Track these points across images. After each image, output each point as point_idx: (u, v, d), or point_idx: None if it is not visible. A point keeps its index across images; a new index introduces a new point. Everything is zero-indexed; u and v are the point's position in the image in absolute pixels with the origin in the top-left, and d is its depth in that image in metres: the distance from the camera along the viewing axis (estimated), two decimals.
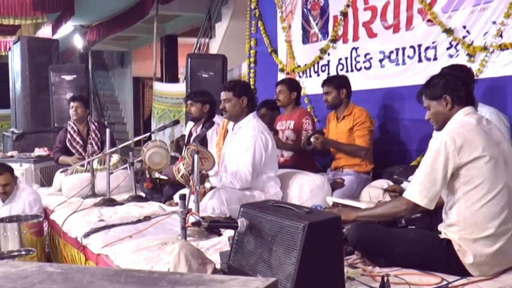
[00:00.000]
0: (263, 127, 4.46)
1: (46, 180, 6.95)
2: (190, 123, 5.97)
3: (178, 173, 4.48)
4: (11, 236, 4.58)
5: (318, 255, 2.28)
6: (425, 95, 2.99)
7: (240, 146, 4.38)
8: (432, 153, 2.73)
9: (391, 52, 5.38)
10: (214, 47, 10.68)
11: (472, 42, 4.64)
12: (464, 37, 4.70)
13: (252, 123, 4.45)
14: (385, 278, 2.46)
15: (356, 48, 5.80)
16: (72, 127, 6.55)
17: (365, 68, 5.71)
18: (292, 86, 5.63)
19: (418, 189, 2.74)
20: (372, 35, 5.60)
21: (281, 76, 6.98)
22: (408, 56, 5.21)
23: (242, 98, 4.47)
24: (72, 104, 6.56)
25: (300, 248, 2.23)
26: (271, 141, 4.41)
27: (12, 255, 4.33)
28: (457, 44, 4.76)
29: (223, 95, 4.51)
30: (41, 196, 5.65)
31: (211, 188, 4.27)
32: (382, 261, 2.89)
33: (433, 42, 4.96)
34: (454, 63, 4.35)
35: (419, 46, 5.08)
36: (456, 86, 2.87)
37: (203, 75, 7.87)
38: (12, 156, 7.24)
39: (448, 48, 4.85)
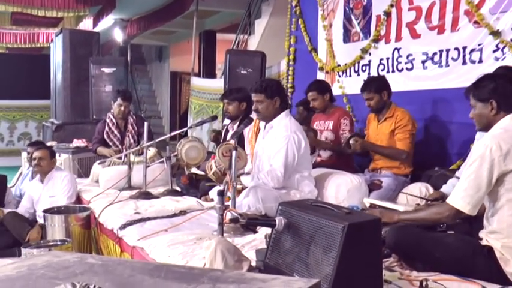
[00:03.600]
0: (296, 126, 4.42)
1: (83, 171, 7.07)
2: (227, 120, 5.97)
3: (211, 170, 4.51)
4: (58, 228, 4.69)
5: (357, 257, 2.26)
6: (472, 94, 2.92)
7: (272, 146, 4.37)
8: (477, 159, 2.68)
9: (435, 54, 5.29)
10: (253, 44, 10.68)
11: None
12: None
13: (284, 122, 4.42)
14: (424, 283, 2.43)
15: (398, 49, 5.72)
16: (112, 120, 6.63)
17: (407, 69, 5.63)
18: (322, 88, 5.57)
19: (461, 196, 2.69)
20: (415, 35, 5.52)
21: (320, 75, 6.95)
22: (452, 58, 5.11)
23: (275, 98, 4.43)
24: (120, 101, 6.59)
25: (339, 248, 2.21)
26: (304, 140, 4.37)
27: (49, 245, 4.41)
28: (504, 47, 4.64)
29: (255, 96, 4.46)
30: (77, 186, 5.78)
31: (243, 187, 4.27)
32: (420, 265, 2.85)
33: (479, 45, 4.85)
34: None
35: (464, 48, 4.99)
36: (506, 92, 2.80)
37: (241, 72, 7.88)
38: (51, 147, 7.33)
39: (494, 51, 4.74)
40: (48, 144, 7.33)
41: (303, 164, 4.41)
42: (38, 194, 5.56)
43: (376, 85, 4.95)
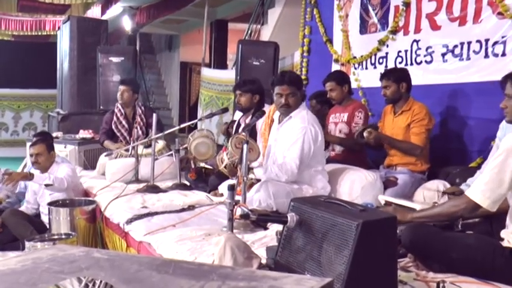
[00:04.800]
0: (313, 119, 4.43)
1: (90, 163, 7.11)
2: (238, 113, 5.95)
3: (222, 163, 4.51)
4: (63, 221, 4.68)
5: (371, 256, 2.25)
6: (510, 83, 2.89)
7: (288, 138, 4.36)
8: (503, 152, 2.61)
9: (455, 46, 5.25)
10: (265, 34, 10.64)
11: None
12: None
13: (301, 114, 4.43)
14: (441, 285, 2.42)
15: (417, 41, 5.69)
16: (120, 110, 6.65)
17: (426, 61, 5.59)
18: (342, 79, 5.58)
19: (481, 189, 2.65)
20: (435, 27, 5.48)
21: (336, 67, 6.93)
22: (474, 51, 5.06)
23: (301, 91, 4.50)
24: (119, 87, 6.66)
25: (352, 247, 2.20)
26: (320, 134, 4.38)
27: (53, 239, 4.42)
28: None
29: (288, 89, 4.38)
30: (81, 178, 5.79)
31: (257, 180, 4.27)
32: (437, 266, 2.83)
33: (503, 37, 4.80)
34: None
35: (487, 41, 4.94)
36: None
37: (254, 63, 7.87)
38: (57, 137, 7.38)
39: None
40: (54, 134, 7.36)
41: (317, 157, 4.42)
42: (39, 189, 5.53)
43: (397, 75, 4.96)
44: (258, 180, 4.30)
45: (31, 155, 5.46)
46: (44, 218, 5.30)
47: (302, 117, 4.38)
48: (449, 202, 2.96)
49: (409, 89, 4.93)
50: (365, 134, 4.86)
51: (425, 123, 4.79)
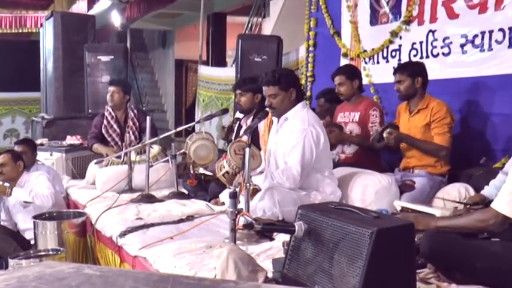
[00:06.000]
0: (314, 119, 4.41)
1: (78, 171, 7.10)
2: (239, 114, 5.94)
3: (221, 171, 4.51)
4: (50, 235, 4.68)
5: (387, 267, 2.26)
6: None
7: (287, 141, 4.35)
8: None
9: (476, 36, 5.24)
10: (267, 28, 10.65)
11: None
12: None
13: (300, 114, 4.40)
14: None
15: (433, 31, 5.68)
16: (110, 113, 6.65)
17: (443, 54, 5.59)
18: (352, 73, 5.57)
19: (507, 200, 2.66)
20: (452, 15, 5.47)
21: (344, 61, 6.93)
22: (496, 41, 5.05)
23: (290, 90, 4.41)
24: (109, 88, 6.67)
25: (366, 257, 2.21)
26: (323, 135, 4.36)
27: (39, 255, 4.42)
28: None
29: (268, 90, 4.42)
30: (69, 189, 5.77)
31: (257, 189, 4.26)
32: (459, 277, 2.83)
33: None
34: None
35: (510, 29, 4.93)
36: None
37: (255, 59, 7.89)
38: (42, 144, 7.38)
39: None
40: (38, 141, 7.37)
41: (322, 161, 4.40)
42: (11, 203, 5.54)
43: (411, 69, 4.95)
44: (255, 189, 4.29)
45: None
46: (27, 235, 5.30)
47: (301, 118, 4.36)
48: (475, 215, 2.94)
49: (425, 85, 4.92)
50: (385, 134, 4.80)
51: (448, 121, 4.77)
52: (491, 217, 2.73)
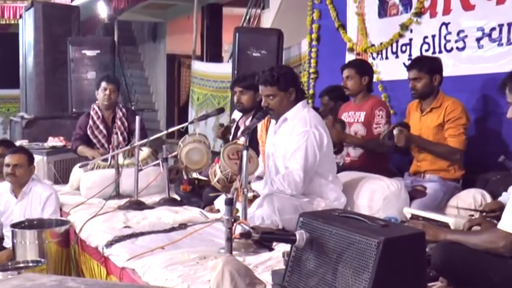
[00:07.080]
0: (316, 120, 4.41)
1: (61, 176, 7.10)
2: (237, 113, 5.94)
3: (215, 177, 4.51)
4: (30, 246, 4.62)
5: (395, 280, 2.27)
6: (509, 89, 2.91)
7: (288, 144, 4.35)
8: None
9: (493, 29, 5.25)
10: (267, 20, 10.67)
11: None
12: None
13: (301, 115, 4.40)
14: None
15: (447, 24, 5.69)
16: (97, 112, 6.64)
17: (457, 48, 5.59)
18: (363, 69, 5.59)
19: None
20: (468, 7, 5.48)
21: (350, 57, 6.92)
22: None
23: (290, 90, 4.41)
24: (105, 85, 6.62)
25: (373, 269, 2.22)
26: (326, 136, 4.37)
27: (18, 267, 4.36)
28: None
29: (265, 90, 4.41)
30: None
31: (255, 196, 4.27)
32: None
33: None
34: None
35: None
36: None
37: (254, 54, 7.89)
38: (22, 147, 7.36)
39: None
40: (18, 143, 7.36)
41: (325, 165, 4.41)
42: (8, 208, 5.42)
43: (430, 65, 4.92)
44: (254, 197, 4.28)
45: (7, 165, 5.24)
46: (8, 243, 5.29)
47: (302, 119, 4.36)
48: (485, 235, 2.91)
49: (440, 83, 4.93)
50: (395, 132, 4.77)
51: (463, 122, 4.77)
52: (500, 238, 2.72)
